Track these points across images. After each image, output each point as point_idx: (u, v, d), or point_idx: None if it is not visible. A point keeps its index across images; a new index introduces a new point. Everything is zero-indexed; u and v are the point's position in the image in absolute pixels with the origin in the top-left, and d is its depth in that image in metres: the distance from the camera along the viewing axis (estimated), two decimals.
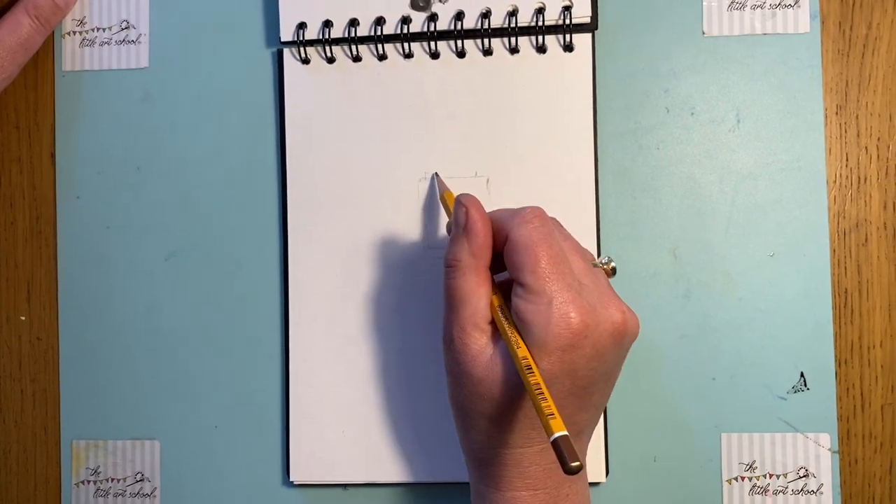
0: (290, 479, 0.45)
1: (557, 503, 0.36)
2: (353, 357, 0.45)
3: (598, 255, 0.44)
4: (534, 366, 0.33)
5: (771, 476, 0.43)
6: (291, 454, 0.45)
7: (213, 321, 0.46)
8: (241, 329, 0.46)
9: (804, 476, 0.43)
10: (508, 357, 0.34)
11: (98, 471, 0.46)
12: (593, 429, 0.38)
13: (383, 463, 0.44)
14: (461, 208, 0.37)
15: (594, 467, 0.43)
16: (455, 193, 0.43)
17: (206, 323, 0.46)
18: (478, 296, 0.36)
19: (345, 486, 0.45)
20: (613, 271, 0.38)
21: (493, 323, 0.36)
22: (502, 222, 0.36)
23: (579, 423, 0.36)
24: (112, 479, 0.46)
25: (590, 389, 0.35)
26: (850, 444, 0.43)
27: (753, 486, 0.43)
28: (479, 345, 0.35)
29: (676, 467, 0.44)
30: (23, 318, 0.47)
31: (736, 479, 0.43)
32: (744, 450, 0.43)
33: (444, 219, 0.44)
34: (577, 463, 0.29)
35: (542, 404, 0.31)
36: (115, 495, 0.46)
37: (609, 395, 0.37)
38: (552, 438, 0.30)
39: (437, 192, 0.44)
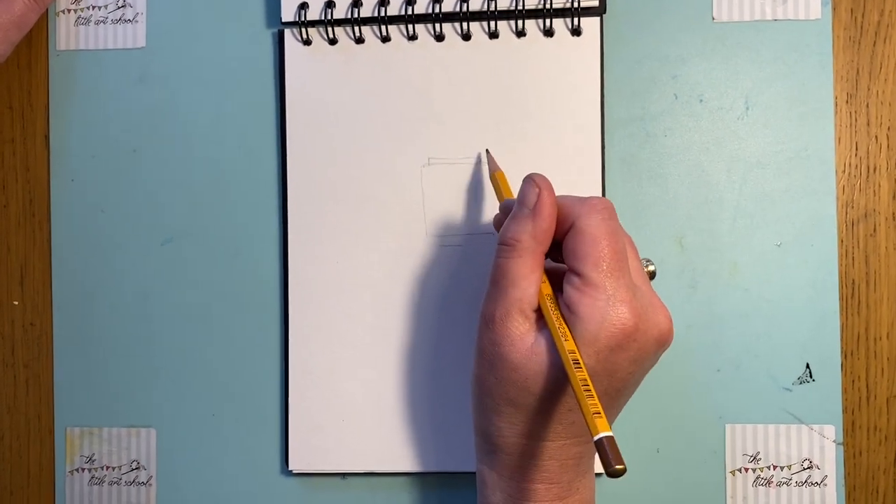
0: (289, 468, 0.44)
1: (569, 496, 0.36)
2: (353, 345, 0.44)
3: None
4: (581, 361, 0.32)
5: (775, 468, 0.43)
6: (290, 443, 0.44)
7: (210, 307, 0.45)
8: (239, 316, 0.45)
9: (808, 468, 0.43)
10: (550, 348, 0.33)
11: (93, 458, 0.45)
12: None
13: (383, 452, 0.44)
14: (533, 188, 0.35)
15: (597, 458, 0.43)
16: (469, 178, 0.42)
17: (203, 309, 0.45)
18: (529, 281, 0.34)
19: (343, 475, 0.45)
20: (653, 275, 0.37)
21: (538, 311, 0.34)
22: (567, 209, 0.35)
23: None
24: (107, 467, 0.45)
25: (622, 392, 0.34)
26: (855, 436, 0.43)
27: (757, 478, 0.43)
28: (521, 330, 0.34)
29: (680, 458, 0.43)
30: (16, 302, 0.46)
31: (740, 470, 0.43)
32: (748, 441, 0.43)
33: (446, 203, 0.44)
34: (621, 466, 0.28)
35: (589, 402, 0.30)
36: (111, 483, 0.45)
37: (628, 401, 0.37)
38: (597, 438, 0.29)
39: (486, 170, 0.43)
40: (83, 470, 0.46)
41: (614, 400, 0.35)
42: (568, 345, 0.32)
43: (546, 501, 0.35)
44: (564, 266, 0.35)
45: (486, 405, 0.36)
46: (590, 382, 0.31)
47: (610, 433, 0.29)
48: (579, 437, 0.35)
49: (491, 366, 0.35)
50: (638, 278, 0.34)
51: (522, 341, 0.34)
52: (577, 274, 0.33)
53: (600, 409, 0.30)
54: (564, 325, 0.33)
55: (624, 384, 0.34)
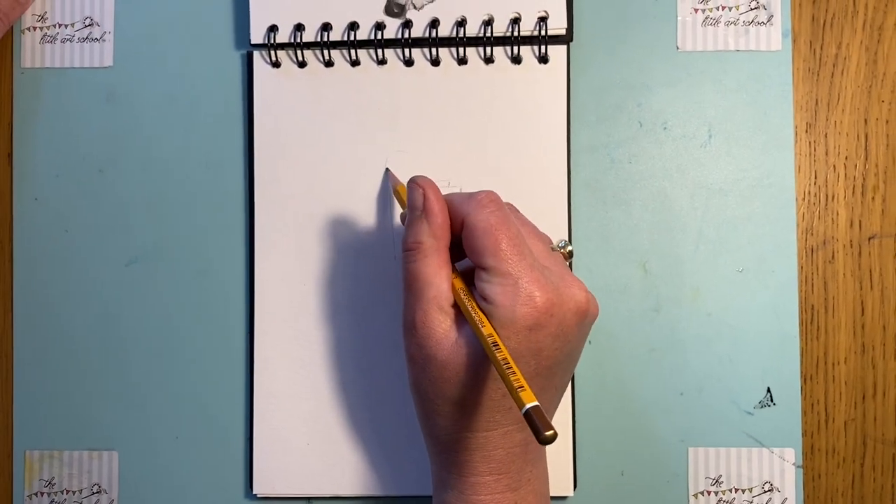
0: (253, 492, 0.44)
1: (520, 487, 0.36)
2: (318, 368, 0.44)
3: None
4: (500, 343, 0.33)
5: (736, 490, 0.43)
6: (255, 466, 0.44)
7: (175, 330, 0.45)
8: (203, 338, 0.45)
9: (769, 490, 0.43)
10: (474, 339, 0.34)
11: (52, 482, 0.45)
12: (554, 412, 0.38)
13: (348, 476, 0.44)
14: (417, 190, 0.36)
15: (562, 481, 0.43)
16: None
17: (167, 331, 0.45)
18: (440, 278, 0.35)
19: (309, 499, 0.44)
20: (570, 255, 0.38)
21: (455, 306, 0.35)
22: (457, 206, 0.36)
23: (542, 405, 0.36)
24: (67, 491, 0.45)
25: (554, 370, 0.35)
26: (814, 458, 0.44)
27: (719, 501, 0.43)
28: (444, 328, 0.35)
29: (644, 481, 0.44)
30: None
31: (702, 493, 0.44)
32: (710, 464, 0.44)
33: None
34: (551, 432, 0.30)
35: (511, 378, 0.31)
36: None
37: (569, 378, 0.38)
38: (524, 410, 0.30)
39: (389, 187, 0.44)
40: (42, 494, 0.45)
41: (548, 380, 0.35)
42: (486, 329, 0.33)
43: (497, 493, 0.36)
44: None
45: (426, 407, 0.37)
46: (510, 360, 0.32)
47: (536, 403, 0.30)
48: (520, 422, 0.36)
49: (422, 369, 0.36)
50: (544, 259, 0.36)
51: (447, 338, 0.35)
52: (482, 267, 0.35)
53: (524, 383, 0.31)
54: (480, 313, 0.34)
55: (553, 361, 0.35)
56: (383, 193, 0.44)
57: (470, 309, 0.34)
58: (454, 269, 0.36)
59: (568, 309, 0.34)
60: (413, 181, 0.37)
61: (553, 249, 0.37)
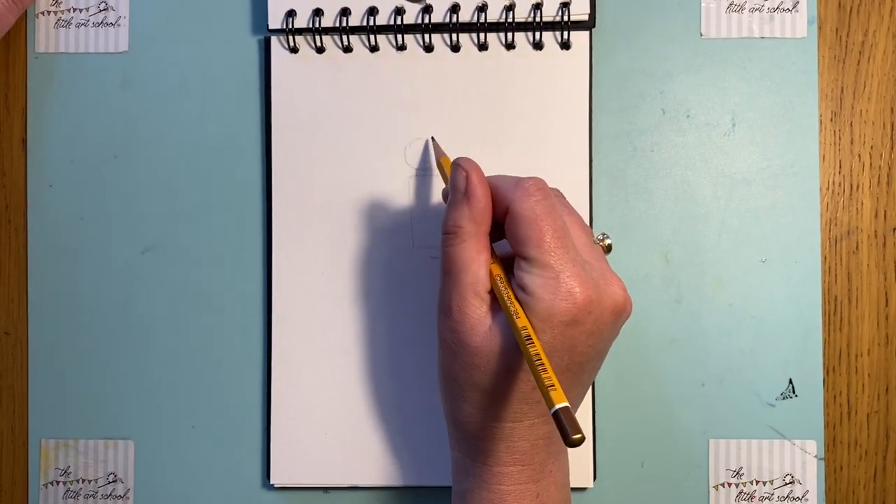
0: (270, 482, 0.43)
1: (542, 479, 0.36)
2: (336, 357, 0.44)
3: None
4: (534, 337, 0.32)
5: (757, 482, 0.43)
6: (272, 456, 0.43)
7: (191, 318, 0.44)
8: (220, 326, 0.44)
9: (790, 483, 0.43)
10: (508, 328, 0.34)
11: (68, 471, 0.44)
12: (578, 407, 0.38)
13: (366, 466, 0.43)
14: (461, 172, 0.36)
15: (582, 472, 0.42)
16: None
17: (184, 319, 0.44)
18: (478, 263, 0.35)
19: (326, 489, 0.44)
20: (609, 248, 0.37)
21: (492, 293, 0.35)
22: (502, 191, 0.35)
23: (570, 402, 0.35)
24: (83, 480, 0.44)
25: (584, 366, 0.35)
26: (836, 451, 0.43)
27: (740, 493, 0.43)
28: (479, 314, 0.34)
29: (664, 473, 0.43)
30: None
31: (723, 485, 0.43)
32: (731, 456, 0.43)
33: (433, 213, 0.43)
34: (579, 435, 0.29)
35: (543, 375, 0.31)
36: (86, 497, 0.44)
37: (596, 374, 0.37)
38: (553, 410, 0.30)
39: (432, 158, 0.43)
40: (58, 483, 0.44)
41: (577, 376, 0.35)
42: (520, 321, 0.33)
43: (519, 484, 0.35)
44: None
45: (454, 393, 0.36)
46: (543, 356, 0.31)
47: (566, 404, 0.30)
48: (545, 415, 0.35)
49: (454, 354, 0.35)
50: (587, 253, 0.35)
51: (481, 324, 0.34)
52: (523, 257, 0.34)
53: (555, 381, 0.31)
54: (517, 303, 0.33)
55: (585, 358, 0.34)
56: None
57: (506, 298, 0.33)
58: (493, 255, 0.36)
59: (606, 308, 0.34)
60: (457, 162, 0.36)
61: (594, 242, 0.36)
